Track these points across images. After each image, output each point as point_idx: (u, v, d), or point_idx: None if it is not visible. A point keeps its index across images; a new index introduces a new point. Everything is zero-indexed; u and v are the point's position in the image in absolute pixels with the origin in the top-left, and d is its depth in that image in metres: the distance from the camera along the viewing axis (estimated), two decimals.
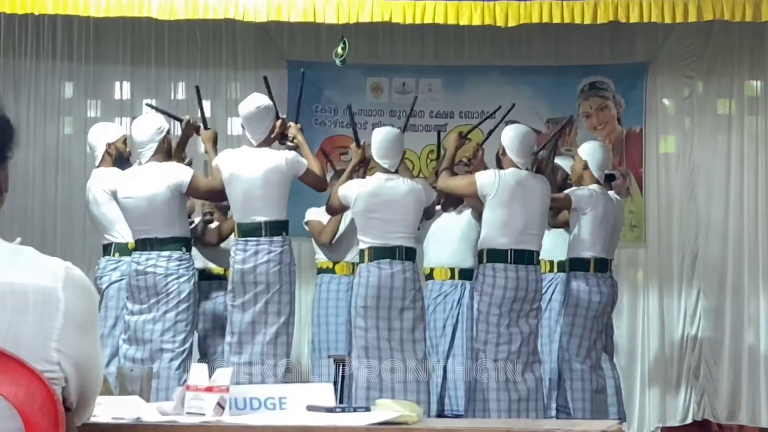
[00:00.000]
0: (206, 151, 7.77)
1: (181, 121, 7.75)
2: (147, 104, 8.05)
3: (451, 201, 8.18)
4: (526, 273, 7.32)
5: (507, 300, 7.30)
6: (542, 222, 7.49)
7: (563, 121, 8.88)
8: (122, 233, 7.51)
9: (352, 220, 8.19)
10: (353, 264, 8.30)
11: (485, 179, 7.40)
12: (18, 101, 9.73)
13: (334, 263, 8.35)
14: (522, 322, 7.34)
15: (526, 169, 7.48)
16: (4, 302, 1.84)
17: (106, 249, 7.67)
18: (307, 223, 8.33)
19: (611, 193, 8.11)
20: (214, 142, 7.60)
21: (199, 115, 7.79)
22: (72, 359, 1.88)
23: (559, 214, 7.92)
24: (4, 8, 8.04)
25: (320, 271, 8.44)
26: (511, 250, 7.31)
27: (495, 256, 7.33)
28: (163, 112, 7.90)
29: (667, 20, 7.99)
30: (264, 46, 10.04)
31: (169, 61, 9.98)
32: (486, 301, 7.31)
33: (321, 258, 8.44)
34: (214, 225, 8.11)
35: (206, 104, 8.03)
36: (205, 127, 7.72)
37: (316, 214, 8.35)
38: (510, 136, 7.51)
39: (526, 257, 7.33)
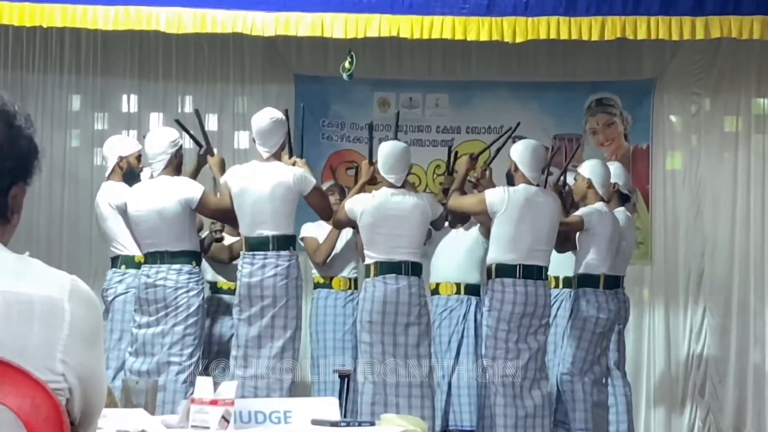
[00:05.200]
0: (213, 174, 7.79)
1: (201, 147, 7.76)
2: (176, 121, 8.06)
3: (458, 218, 8.17)
4: (534, 288, 7.30)
5: (516, 315, 7.28)
6: (551, 238, 7.46)
7: (573, 140, 8.87)
8: (128, 246, 7.52)
9: (350, 238, 8.20)
10: (350, 279, 8.30)
11: (494, 196, 7.40)
12: None
13: (330, 278, 8.33)
14: (531, 339, 7.32)
15: (537, 184, 7.49)
16: (9, 311, 1.83)
17: (114, 261, 7.70)
18: (302, 239, 8.30)
19: (622, 209, 8.11)
20: (221, 167, 7.62)
21: (203, 138, 7.76)
22: (76, 371, 1.87)
23: (568, 237, 7.84)
24: (12, 21, 8.05)
25: (316, 286, 8.42)
26: (519, 265, 7.30)
27: (504, 271, 7.32)
28: (188, 133, 7.90)
29: (675, 37, 7.99)
30: (271, 60, 10.05)
31: (177, 74, 9.99)
32: (495, 316, 7.30)
33: (316, 273, 8.42)
34: (226, 242, 8.09)
35: (213, 118, 8.02)
36: (211, 154, 7.74)
37: (312, 230, 8.32)
38: (520, 150, 7.51)
39: (535, 273, 7.32)
